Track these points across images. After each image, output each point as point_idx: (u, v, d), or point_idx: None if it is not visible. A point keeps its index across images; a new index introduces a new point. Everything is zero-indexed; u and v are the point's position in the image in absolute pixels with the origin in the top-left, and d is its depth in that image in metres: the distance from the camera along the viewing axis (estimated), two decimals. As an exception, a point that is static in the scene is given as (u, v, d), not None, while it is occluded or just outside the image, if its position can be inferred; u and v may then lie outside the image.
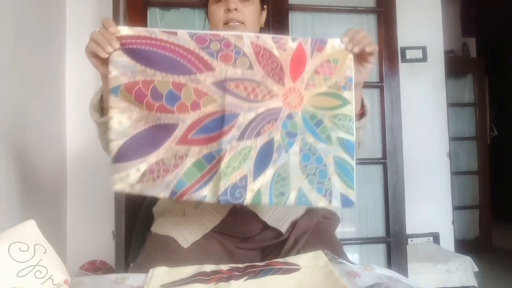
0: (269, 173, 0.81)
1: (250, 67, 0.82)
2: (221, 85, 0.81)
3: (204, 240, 0.95)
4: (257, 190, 0.80)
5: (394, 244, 1.86)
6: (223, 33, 0.83)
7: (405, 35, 2.13)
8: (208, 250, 0.93)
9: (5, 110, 1.30)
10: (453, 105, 3.05)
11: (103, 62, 0.82)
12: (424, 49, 2.40)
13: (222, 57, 0.81)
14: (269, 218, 0.97)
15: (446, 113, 2.48)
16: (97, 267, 1.86)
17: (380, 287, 0.69)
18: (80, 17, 1.93)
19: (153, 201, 1.11)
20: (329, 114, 0.86)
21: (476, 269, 2.18)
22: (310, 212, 1.04)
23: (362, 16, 1.94)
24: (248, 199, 0.79)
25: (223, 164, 0.79)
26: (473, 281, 2.14)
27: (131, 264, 1.07)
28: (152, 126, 0.81)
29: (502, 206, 3.60)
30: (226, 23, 0.99)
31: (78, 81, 1.89)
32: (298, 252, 0.91)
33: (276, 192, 0.81)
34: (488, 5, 3.41)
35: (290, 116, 0.84)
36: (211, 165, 0.80)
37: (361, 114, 0.97)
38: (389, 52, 1.90)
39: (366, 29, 0.89)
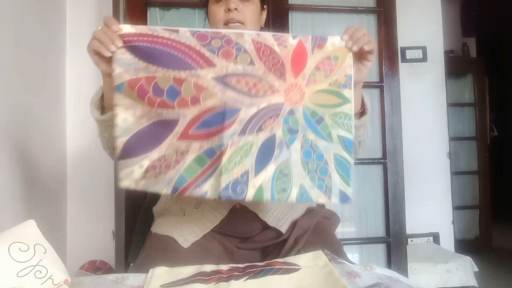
0: (270, 169, 0.81)
1: (251, 63, 0.82)
2: (222, 80, 0.81)
3: (204, 240, 0.94)
4: (258, 186, 0.80)
5: (394, 244, 1.86)
6: (224, 31, 0.84)
7: (405, 35, 2.13)
8: (208, 250, 0.93)
9: (5, 110, 1.30)
10: (453, 105, 3.05)
11: (105, 60, 0.82)
12: (424, 49, 2.40)
13: (223, 54, 0.81)
14: (269, 218, 0.97)
15: (446, 113, 2.48)
16: (97, 267, 1.86)
17: (380, 287, 0.69)
18: (80, 17, 1.93)
19: (153, 201, 1.11)
20: (330, 112, 0.86)
21: (476, 269, 2.18)
22: (310, 212, 1.04)
23: (362, 16, 1.94)
24: (250, 195, 0.79)
25: (224, 159, 0.79)
26: (473, 281, 2.15)
27: (131, 264, 1.07)
28: (154, 122, 0.81)
29: (502, 206, 3.60)
30: (226, 23, 0.99)
31: (78, 81, 1.89)
32: (298, 252, 0.90)
33: (278, 189, 0.81)
34: (488, 5, 3.41)
35: (291, 112, 0.84)
36: (212, 160, 0.80)
37: (361, 113, 0.97)
38: (389, 52, 1.90)
39: (366, 29, 0.89)
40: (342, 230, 1.89)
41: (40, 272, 0.63)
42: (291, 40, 0.84)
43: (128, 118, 0.81)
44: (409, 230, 2.10)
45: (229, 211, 0.96)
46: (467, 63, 3.33)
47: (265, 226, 0.98)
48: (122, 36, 0.80)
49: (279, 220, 0.98)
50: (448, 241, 2.43)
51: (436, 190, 2.43)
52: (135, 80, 0.80)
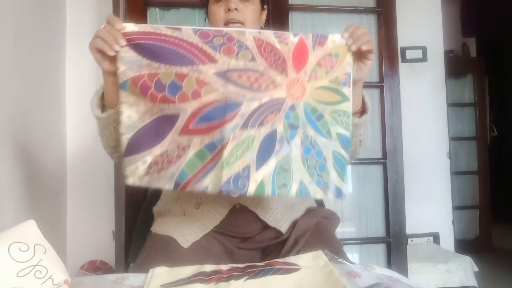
0: (271, 164, 0.81)
1: (253, 59, 0.83)
2: (224, 75, 0.82)
3: (204, 240, 0.94)
4: (260, 181, 0.80)
5: (394, 244, 1.86)
6: (226, 29, 0.85)
7: (405, 35, 2.13)
8: (208, 250, 0.93)
9: (5, 110, 1.30)
10: (453, 105, 3.05)
11: (107, 59, 0.83)
12: (424, 49, 2.40)
13: (225, 51, 0.82)
14: (269, 218, 0.97)
15: (446, 113, 2.48)
16: (97, 267, 1.86)
17: (380, 287, 0.69)
18: (80, 17, 1.93)
19: (153, 201, 1.11)
20: (330, 109, 0.87)
21: (476, 269, 2.18)
22: (310, 212, 1.04)
23: (362, 16, 1.94)
24: (251, 189, 0.79)
25: (225, 153, 0.79)
26: (473, 281, 2.15)
27: (131, 264, 1.07)
28: (157, 118, 0.82)
29: (502, 206, 3.60)
30: (226, 23, 0.99)
31: (78, 81, 1.89)
32: (298, 252, 0.90)
33: (279, 184, 0.81)
34: (488, 5, 3.41)
35: (292, 108, 0.84)
36: (213, 154, 0.80)
37: (362, 112, 0.98)
38: (389, 52, 1.90)
39: (366, 29, 0.89)
40: (342, 230, 1.89)
41: (40, 272, 0.63)
42: (292, 37, 0.85)
43: (132, 115, 0.82)
44: (409, 230, 2.10)
45: (229, 211, 0.96)
46: (467, 63, 3.33)
47: (265, 226, 0.98)
48: (125, 35, 0.81)
49: (279, 220, 0.98)
50: (448, 241, 2.43)
51: (436, 190, 2.43)
52: (138, 76, 0.81)
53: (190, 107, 0.81)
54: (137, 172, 0.81)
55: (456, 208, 2.67)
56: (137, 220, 1.22)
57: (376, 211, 1.91)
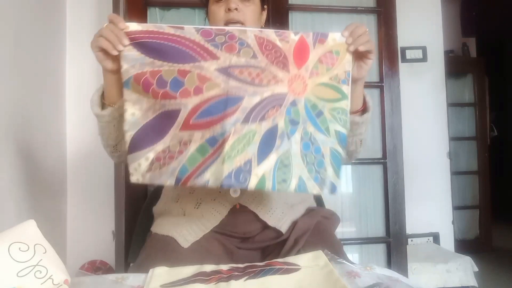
0: (272, 158, 0.81)
1: (254, 56, 0.84)
2: (225, 71, 0.82)
3: (204, 240, 0.94)
4: (261, 175, 0.80)
5: (394, 244, 1.86)
6: (228, 28, 0.86)
7: (405, 35, 2.13)
8: (208, 250, 0.93)
9: (5, 110, 1.30)
10: (453, 105, 3.05)
11: (108, 57, 0.83)
12: (424, 49, 2.40)
13: (227, 48, 0.83)
14: (269, 218, 0.97)
15: (446, 113, 2.48)
16: (97, 267, 1.86)
17: (380, 287, 0.68)
18: (80, 17, 1.93)
19: (153, 201, 1.11)
20: (329, 107, 0.87)
21: (476, 269, 2.18)
22: (310, 212, 1.04)
23: (362, 16, 1.94)
24: (252, 183, 0.79)
25: (227, 147, 0.79)
26: (473, 281, 2.15)
27: (131, 264, 1.07)
28: (159, 114, 0.83)
29: (502, 206, 3.60)
30: (226, 23, 0.98)
31: (78, 81, 1.89)
32: (298, 252, 0.90)
33: (279, 179, 0.81)
34: (488, 5, 3.41)
35: (293, 103, 0.85)
36: (214, 148, 0.80)
37: (363, 110, 0.98)
38: (389, 52, 1.90)
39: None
40: (342, 230, 1.89)
41: (40, 272, 0.63)
42: (292, 36, 0.86)
43: (136, 113, 0.83)
44: (409, 230, 2.10)
45: (229, 211, 0.96)
46: (467, 63, 3.33)
47: (265, 226, 0.97)
48: (128, 34, 0.82)
49: (279, 220, 0.98)
50: (448, 241, 2.43)
51: (436, 190, 2.43)
52: (140, 74, 0.82)
53: (191, 102, 0.81)
54: (140, 169, 0.82)
55: (456, 208, 2.67)
56: (137, 220, 1.22)
57: (376, 211, 1.91)
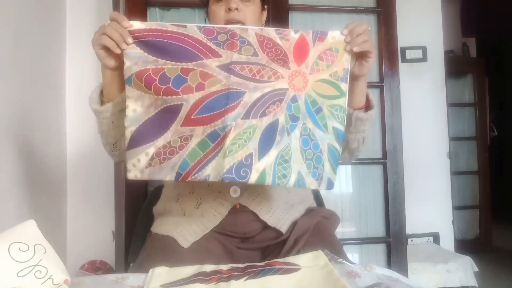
0: (272, 154, 0.82)
1: (255, 53, 0.85)
2: (226, 67, 0.83)
3: (204, 240, 0.94)
4: (262, 170, 0.80)
5: (394, 244, 1.86)
6: (229, 26, 0.87)
7: (405, 35, 2.13)
8: (208, 250, 0.93)
9: (5, 110, 1.30)
10: (453, 105, 3.05)
11: (110, 55, 0.84)
12: (424, 49, 2.40)
13: (228, 46, 0.84)
14: (269, 218, 0.97)
15: (446, 113, 2.48)
16: (97, 267, 1.86)
17: (380, 287, 0.68)
18: (80, 17, 1.94)
19: (153, 201, 1.11)
20: (328, 103, 0.88)
21: (476, 269, 2.18)
22: (310, 212, 1.04)
23: (362, 16, 1.94)
24: (253, 178, 0.80)
25: (228, 141, 0.79)
26: (473, 281, 2.15)
27: (131, 264, 1.07)
28: (160, 110, 0.83)
29: (502, 206, 3.60)
30: (226, 23, 0.98)
31: (78, 81, 1.89)
32: (298, 252, 0.90)
33: (279, 174, 0.82)
34: (488, 5, 3.41)
35: (294, 99, 0.85)
36: (215, 143, 0.81)
37: (367, 107, 0.98)
38: (389, 52, 1.90)
39: (366, 28, 0.90)
40: (342, 230, 1.89)
41: (40, 272, 0.63)
42: (292, 34, 0.87)
43: (137, 109, 0.84)
44: (409, 230, 2.10)
45: (229, 211, 0.96)
46: (467, 63, 3.33)
47: (265, 226, 0.97)
48: (131, 32, 0.82)
49: (279, 220, 0.98)
50: (448, 241, 2.43)
51: (436, 190, 2.43)
52: (143, 71, 0.82)
53: (193, 97, 0.82)
54: (139, 165, 0.82)
55: (456, 208, 2.67)
56: (137, 220, 1.22)
57: (376, 211, 1.91)
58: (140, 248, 0.99)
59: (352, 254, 1.89)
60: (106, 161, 1.17)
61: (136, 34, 0.82)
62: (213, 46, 0.83)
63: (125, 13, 1.69)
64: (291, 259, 0.81)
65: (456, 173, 2.92)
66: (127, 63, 0.82)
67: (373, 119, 1.01)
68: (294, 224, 0.98)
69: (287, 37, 0.86)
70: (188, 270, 0.77)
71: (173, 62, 0.82)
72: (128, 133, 0.83)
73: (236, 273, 0.74)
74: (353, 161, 1.84)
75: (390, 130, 1.88)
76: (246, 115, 0.81)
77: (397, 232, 1.87)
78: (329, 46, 0.88)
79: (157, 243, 0.96)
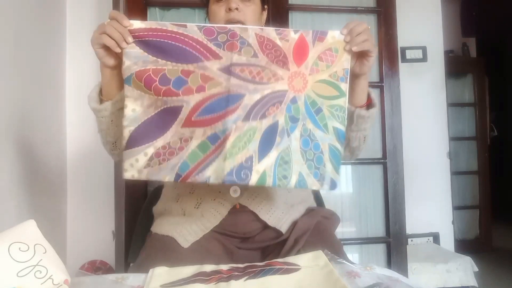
0: (272, 155, 0.82)
1: (255, 55, 0.84)
2: (227, 69, 0.83)
3: (204, 240, 0.94)
4: (262, 172, 0.81)
5: (394, 244, 1.86)
6: (229, 26, 0.86)
7: (405, 35, 2.13)
8: (208, 250, 0.93)
9: (5, 110, 1.30)
10: (453, 105, 3.05)
11: (109, 54, 0.84)
12: (424, 49, 2.40)
13: (228, 47, 0.84)
14: (269, 218, 0.97)
15: (446, 113, 2.48)
16: (97, 267, 1.86)
17: (380, 287, 0.68)
18: (80, 17, 1.94)
19: (153, 201, 1.11)
20: (328, 104, 0.88)
21: (476, 269, 2.18)
22: (310, 212, 1.04)
23: (362, 16, 1.94)
24: (253, 180, 0.80)
25: (228, 144, 0.80)
26: (473, 281, 2.14)
27: (131, 264, 1.07)
28: (160, 110, 0.83)
29: (502, 206, 3.60)
30: (226, 23, 0.98)
31: (78, 81, 1.89)
32: (298, 252, 0.90)
33: (280, 175, 0.82)
34: (488, 5, 3.41)
35: (294, 100, 0.86)
36: (215, 145, 0.81)
37: (368, 105, 0.98)
38: (389, 52, 1.90)
39: (366, 28, 0.89)
40: (342, 230, 1.89)
41: (40, 272, 0.63)
42: (292, 34, 0.87)
43: (136, 109, 0.83)
44: (409, 230, 2.10)
45: (229, 211, 0.96)
46: (467, 63, 3.32)
47: (265, 226, 0.97)
48: (131, 32, 0.82)
49: (279, 220, 0.98)
50: (448, 241, 2.43)
51: (436, 190, 2.43)
52: (143, 71, 0.82)
53: (193, 99, 0.82)
54: (137, 165, 0.82)
55: (456, 208, 2.67)
56: (137, 220, 1.22)
57: (376, 211, 1.91)
58: (140, 248, 0.99)
59: (352, 254, 1.89)
60: (106, 161, 1.17)
61: (136, 34, 0.82)
62: (214, 48, 0.83)
63: (125, 13, 1.68)
64: (291, 259, 0.81)
65: (456, 173, 2.92)
66: (127, 62, 0.82)
67: (375, 118, 1.01)
68: (294, 224, 0.98)
69: (286, 38, 0.86)
70: (188, 270, 0.77)
71: (174, 63, 0.82)
72: (127, 132, 0.83)
73: (236, 273, 0.74)
74: (353, 161, 1.85)
75: (390, 130, 1.88)
76: (246, 117, 0.82)
77: (397, 232, 1.87)
78: (329, 46, 0.87)
79: (157, 243, 0.96)
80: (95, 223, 1.91)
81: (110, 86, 0.89)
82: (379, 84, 1.89)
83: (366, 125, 0.98)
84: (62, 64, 1.89)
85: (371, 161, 1.91)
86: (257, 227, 0.97)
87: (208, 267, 0.78)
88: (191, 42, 0.83)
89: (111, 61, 0.85)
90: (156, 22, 0.84)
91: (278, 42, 0.85)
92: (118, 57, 0.85)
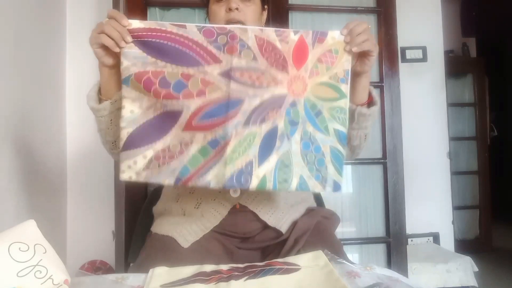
0: (272, 159, 0.82)
1: (254, 58, 0.84)
2: (227, 74, 0.82)
3: (204, 240, 0.94)
4: (262, 176, 0.81)
5: (394, 244, 1.86)
6: (229, 26, 0.85)
7: (405, 35, 2.13)
8: (208, 250, 0.93)
9: (5, 110, 1.30)
10: (453, 105, 3.05)
11: (108, 53, 0.83)
12: (424, 49, 2.40)
13: (228, 49, 0.83)
14: (269, 218, 0.97)
15: (446, 113, 2.48)
16: (97, 267, 1.86)
17: (380, 287, 0.69)
18: (80, 17, 1.94)
19: (153, 201, 1.11)
20: (328, 106, 0.88)
21: (476, 269, 2.18)
22: (310, 212, 1.04)
23: (362, 16, 1.94)
24: (253, 184, 0.80)
25: (229, 149, 0.80)
26: (473, 281, 2.14)
27: (131, 264, 1.07)
28: (160, 113, 0.83)
29: (502, 206, 3.60)
30: (227, 23, 0.98)
31: (78, 81, 1.89)
32: (298, 252, 0.90)
33: (280, 179, 0.82)
34: (488, 5, 3.41)
35: (293, 104, 0.85)
36: (216, 150, 0.81)
37: (370, 103, 0.98)
38: (389, 52, 1.90)
39: (367, 28, 0.89)
40: (342, 230, 1.89)
41: (40, 272, 0.63)
42: (292, 35, 0.86)
43: (135, 110, 0.83)
44: (409, 230, 2.10)
45: (229, 211, 0.96)
46: (467, 63, 3.32)
47: (265, 226, 0.97)
48: (130, 31, 0.81)
49: (279, 220, 0.98)
50: (448, 241, 2.43)
51: (436, 190, 2.43)
52: (142, 72, 0.81)
53: (193, 104, 0.81)
54: (135, 167, 0.82)
55: (456, 208, 2.67)
56: (137, 220, 1.22)
57: (376, 211, 1.91)
58: (140, 248, 0.99)
59: (352, 254, 1.89)
60: (106, 161, 1.17)
61: (134, 33, 0.81)
62: (214, 50, 0.82)
63: (125, 13, 1.68)
64: (291, 259, 0.81)
65: (456, 173, 2.92)
66: (125, 62, 0.81)
67: (376, 116, 1.01)
68: (294, 224, 0.98)
69: (286, 40, 0.85)
70: (188, 270, 0.77)
71: (173, 65, 0.82)
72: (124, 134, 0.82)
73: (236, 273, 0.74)
74: (353, 161, 1.85)
75: (390, 130, 1.88)
76: (246, 123, 0.82)
77: (397, 232, 1.87)
78: (329, 48, 0.87)
79: (157, 243, 0.96)
80: (95, 223, 1.91)
81: (109, 85, 0.89)
82: (379, 84, 1.89)
83: (367, 123, 0.98)
84: (62, 64, 1.89)
85: (371, 161, 1.91)
86: (257, 227, 0.97)
87: (208, 267, 0.78)
88: (191, 44, 0.82)
89: (109, 61, 0.85)
90: (155, 22, 0.83)
91: (278, 44, 0.85)
92: (117, 57, 0.85)
